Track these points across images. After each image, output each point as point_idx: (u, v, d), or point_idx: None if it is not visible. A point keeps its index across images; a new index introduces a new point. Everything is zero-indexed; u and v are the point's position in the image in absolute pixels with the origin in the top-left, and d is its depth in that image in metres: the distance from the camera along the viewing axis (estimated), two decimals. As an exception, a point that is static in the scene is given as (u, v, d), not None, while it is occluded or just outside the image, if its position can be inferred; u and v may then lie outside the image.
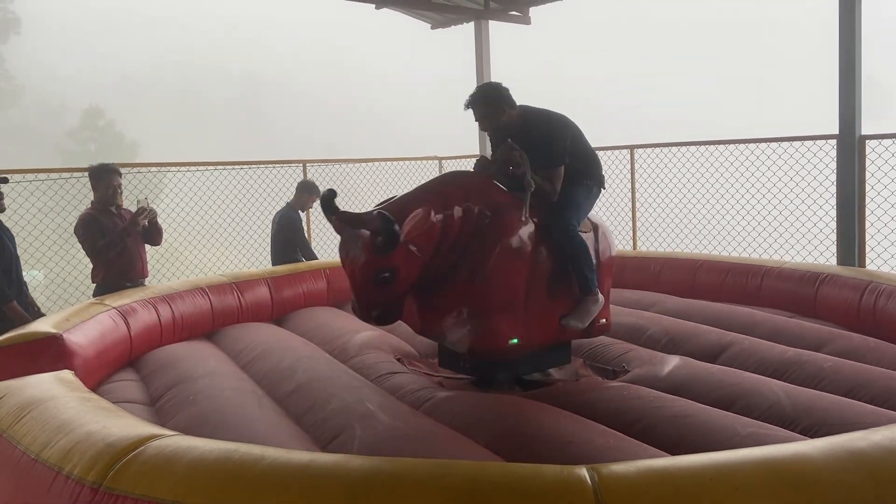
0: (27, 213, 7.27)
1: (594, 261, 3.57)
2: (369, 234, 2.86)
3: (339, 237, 3.01)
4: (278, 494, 1.65)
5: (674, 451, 2.53)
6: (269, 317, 5.03)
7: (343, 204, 3.05)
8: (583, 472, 1.69)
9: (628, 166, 6.79)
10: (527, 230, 3.35)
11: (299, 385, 3.30)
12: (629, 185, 6.81)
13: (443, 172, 8.29)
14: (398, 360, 3.91)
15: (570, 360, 3.83)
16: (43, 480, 1.88)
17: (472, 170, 3.68)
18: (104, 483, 1.79)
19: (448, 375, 3.77)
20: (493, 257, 3.22)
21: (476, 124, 3.64)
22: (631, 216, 6.87)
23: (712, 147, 6.49)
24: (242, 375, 3.63)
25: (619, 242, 6.89)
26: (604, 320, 3.70)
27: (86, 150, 45.02)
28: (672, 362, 3.56)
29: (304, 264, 5.64)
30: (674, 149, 6.74)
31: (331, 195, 2.93)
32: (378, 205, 3.18)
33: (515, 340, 3.30)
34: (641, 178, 6.88)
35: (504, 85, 3.54)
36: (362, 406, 2.95)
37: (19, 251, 4.34)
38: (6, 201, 4.18)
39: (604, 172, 3.78)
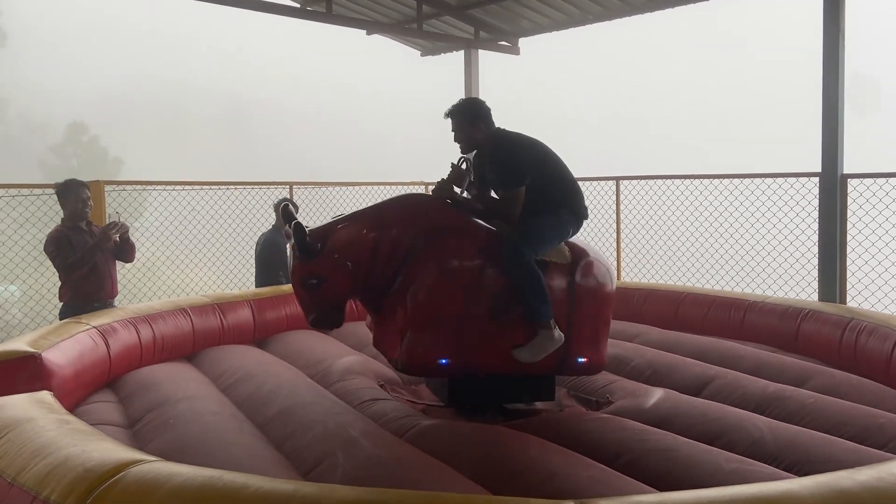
0: (5, 227, 7.17)
1: (567, 295, 3.42)
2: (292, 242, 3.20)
3: None
4: (262, 525, 1.61)
5: (658, 485, 2.53)
6: (251, 339, 4.98)
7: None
8: (570, 506, 1.67)
9: (613, 197, 6.86)
10: (469, 253, 3.33)
11: (280, 410, 3.25)
12: (614, 217, 6.87)
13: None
14: (381, 386, 3.88)
15: (553, 397, 3.70)
16: (18, 505, 1.83)
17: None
18: (82, 509, 1.74)
19: (431, 403, 3.74)
20: (422, 277, 3.31)
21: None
22: (615, 247, 6.92)
23: (697, 181, 6.58)
24: (223, 399, 3.57)
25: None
26: (583, 359, 3.48)
27: (68, 165, 44.63)
28: (656, 395, 3.56)
29: (287, 287, 5.59)
30: (659, 181, 6.82)
31: (285, 203, 3.49)
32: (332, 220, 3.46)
33: (444, 361, 3.32)
34: (626, 209, 6.94)
35: (487, 105, 3.54)
36: (345, 433, 2.91)
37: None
38: None
39: (586, 204, 3.63)
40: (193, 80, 62.94)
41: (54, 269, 4.65)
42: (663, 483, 2.54)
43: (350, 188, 8.11)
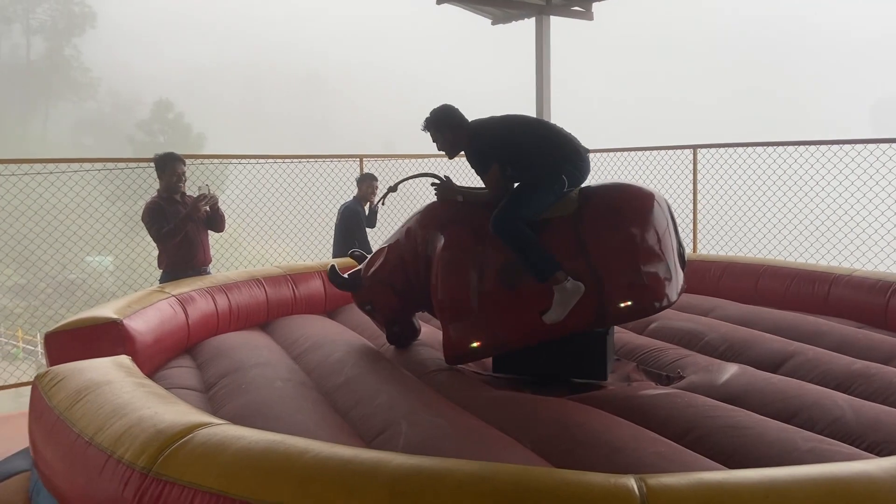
0: (95, 200, 7.55)
1: (577, 242, 3.36)
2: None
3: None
4: (320, 489, 1.64)
5: (728, 463, 2.44)
6: (322, 309, 5.09)
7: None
8: (631, 482, 1.63)
9: (690, 167, 6.60)
10: (465, 236, 3.51)
11: (348, 379, 3.31)
12: (691, 187, 6.61)
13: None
14: (448, 357, 3.90)
15: (606, 377, 3.58)
16: (95, 463, 1.93)
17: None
18: (153, 469, 1.82)
19: (497, 374, 3.73)
20: (435, 273, 3.57)
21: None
22: (692, 218, 6.67)
23: (780, 148, 6.24)
24: (293, 367, 3.67)
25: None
26: (627, 303, 3.29)
27: (155, 141, 46.65)
28: (730, 370, 3.42)
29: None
30: (739, 149, 6.50)
31: (332, 269, 4.04)
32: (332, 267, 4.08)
33: (475, 344, 3.42)
34: (704, 179, 6.66)
35: (455, 108, 3.67)
36: (409, 402, 2.94)
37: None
38: None
39: (581, 156, 3.53)
40: (271, 60, 64.32)
41: (147, 240, 4.92)
42: (733, 461, 2.45)
43: (420, 160, 8.12)
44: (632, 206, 3.42)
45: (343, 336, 4.20)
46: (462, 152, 3.71)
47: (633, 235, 3.34)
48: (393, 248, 3.84)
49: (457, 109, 3.70)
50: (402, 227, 3.90)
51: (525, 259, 3.36)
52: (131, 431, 1.96)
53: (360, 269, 3.99)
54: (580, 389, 3.47)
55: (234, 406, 3.01)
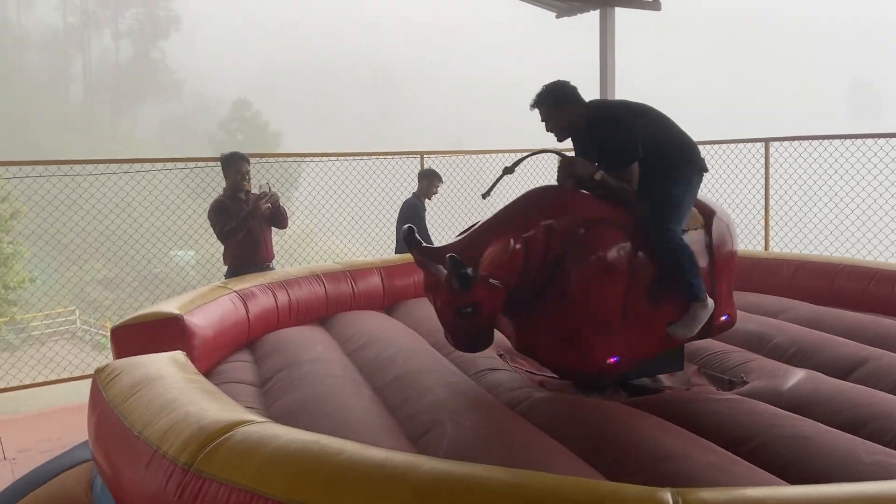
0: (178, 198, 7.88)
1: (707, 257, 3.33)
2: (446, 274, 2.86)
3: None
4: (345, 491, 1.65)
5: (784, 475, 2.32)
6: (380, 305, 5.13)
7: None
8: (667, 496, 1.56)
9: (762, 160, 6.30)
10: (621, 240, 3.11)
11: (397, 376, 3.32)
12: (762, 181, 6.32)
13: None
14: (500, 355, 3.85)
15: (682, 368, 3.59)
16: (143, 457, 2.00)
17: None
18: (194, 465, 1.86)
19: (550, 375, 3.67)
20: (584, 277, 3.07)
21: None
22: (763, 214, 6.38)
23: (859, 141, 5.88)
24: (346, 363, 3.71)
25: (749, 243, 6.44)
26: (725, 317, 3.45)
27: (234, 139, 48.29)
28: (796, 376, 3.26)
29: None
30: (814, 143, 6.17)
31: (410, 231, 3.05)
32: (461, 233, 3.16)
33: (614, 359, 3.11)
34: (777, 173, 6.35)
35: (571, 84, 3.26)
36: (456, 402, 2.92)
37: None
38: None
39: (703, 157, 3.35)
40: (344, 59, 65.48)
41: None
42: (791, 474, 2.33)
43: (480, 156, 8.09)
44: (732, 222, 3.59)
45: (398, 333, 4.22)
46: (568, 137, 3.34)
47: (734, 253, 3.53)
48: (512, 237, 3.03)
49: (571, 85, 3.26)
50: (516, 213, 3.12)
51: (684, 275, 3.12)
52: (176, 427, 2.02)
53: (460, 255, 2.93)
54: (636, 392, 3.37)
55: (286, 402, 3.06)
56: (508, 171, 3.36)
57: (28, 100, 52.05)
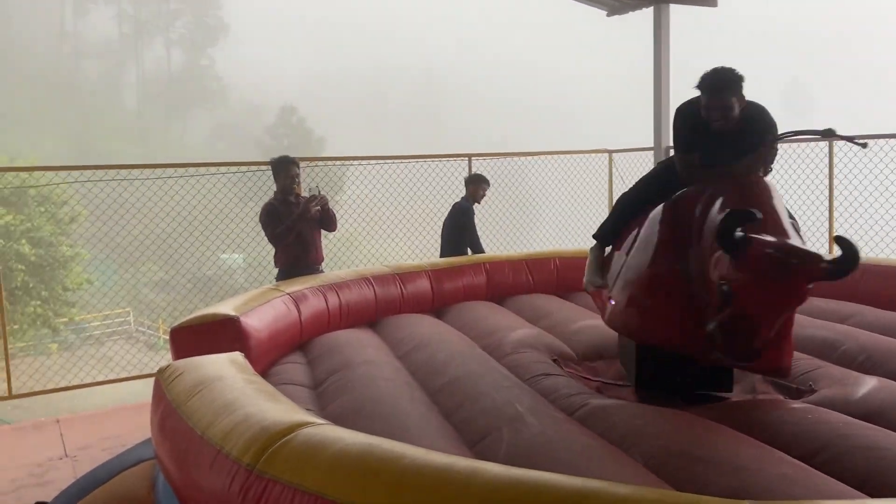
0: (230, 202, 8.03)
1: None
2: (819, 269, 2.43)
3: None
4: (414, 496, 1.62)
5: (862, 488, 2.20)
6: (429, 308, 5.12)
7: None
8: (747, 508, 1.49)
9: (825, 160, 6.09)
10: None
11: (451, 380, 3.29)
12: (826, 181, 6.09)
13: (613, 166, 8.00)
14: (554, 361, 3.79)
15: (731, 388, 3.31)
16: (206, 457, 2.00)
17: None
18: (258, 466, 1.86)
19: (607, 381, 3.59)
20: None
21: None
22: (828, 215, 6.15)
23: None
24: (398, 366, 3.69)
25: (813, 244, 6.22)
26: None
27: (280, 144, 49.11)
28: (868, 384, 3.11)
29: (465, 258, 5.69)
30: (881, 141, 5.92)
31: (750, 215, 2.45)
32: (736, 213, 2.51)
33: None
34: (841, 172, 6.12)
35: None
36: (512, 408, 2.86)
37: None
38: None
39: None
40: (388, 63, 66.05)
41: None
42: (869, 486, 2.21)
43: (530, 158, 8.02)
44: None
45: (448, 336, 4.19)
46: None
47: None
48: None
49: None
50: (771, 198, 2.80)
51: None
52: (239, 428, 2.02)
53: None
54: (698, 401, 3.26)
55: (340, 403, 3.06)
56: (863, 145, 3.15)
57: (85, 107, 53.88)
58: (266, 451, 1.89)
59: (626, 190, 3.81)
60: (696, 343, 2.92)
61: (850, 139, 3.10)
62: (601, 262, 3.81)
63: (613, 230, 3.76)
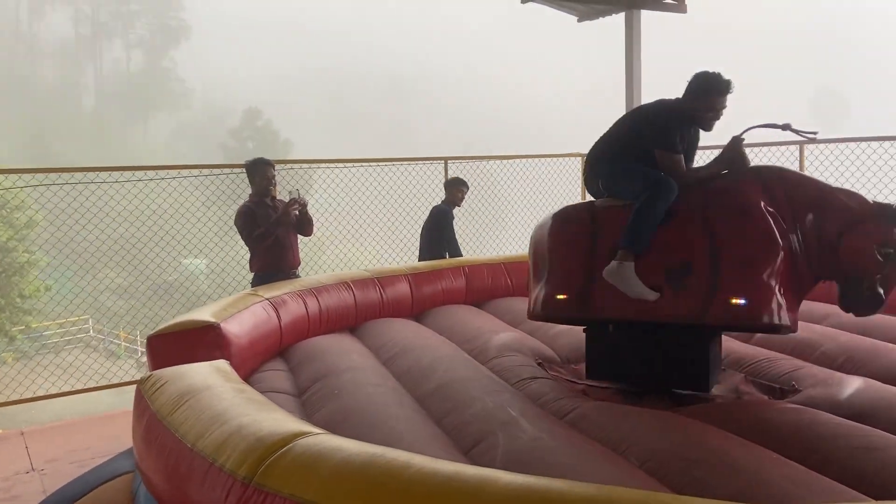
0: (192, 206, 7.83)
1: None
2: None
3: None
4: (423, 507, 1.56)
5: (863, 488, 2.21)
6: (408, 313, 5.05)
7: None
8: (766, 513, 1.46)
9: (796, 164, 6.19)
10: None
11: (440, 385, 3.24)
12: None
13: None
14: (539, 364, 3.76)
15: (707, 389, 3.32)
16: (198, 470, 1.91)
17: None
18: (255, 479, 1.78)
19: (593, 384, 3.57)
20: None
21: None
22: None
23: (887, 144, 5.77)
24: (384, 371, 3.63)
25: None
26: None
27: (244, 147, 48.45)
28: (854, 384, 3.15)
29: (444, 261, 5.64)
30: (852, 145, 6.06)
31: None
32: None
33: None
34: (813, 176, 6.23)
35: None
36: (504, 412, 2.83)
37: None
38: None
39: None
40: (353, 67, 65.69)
41: (238, 244, 5.03)
42: (863, 487, 2.22)
43: (504, 161, 8.01)
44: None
45: (432, 341, 4.13)
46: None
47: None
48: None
49: None
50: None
51: None
52: (232, 439, 1.94)
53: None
54: (683, 401, 3.26)
55: (328, 411, 2.98)
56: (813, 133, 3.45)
57: (41, 109, 52.41)
58: (263, 462, 1.81)
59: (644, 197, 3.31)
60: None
61: (798, 132, 3.37)
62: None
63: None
